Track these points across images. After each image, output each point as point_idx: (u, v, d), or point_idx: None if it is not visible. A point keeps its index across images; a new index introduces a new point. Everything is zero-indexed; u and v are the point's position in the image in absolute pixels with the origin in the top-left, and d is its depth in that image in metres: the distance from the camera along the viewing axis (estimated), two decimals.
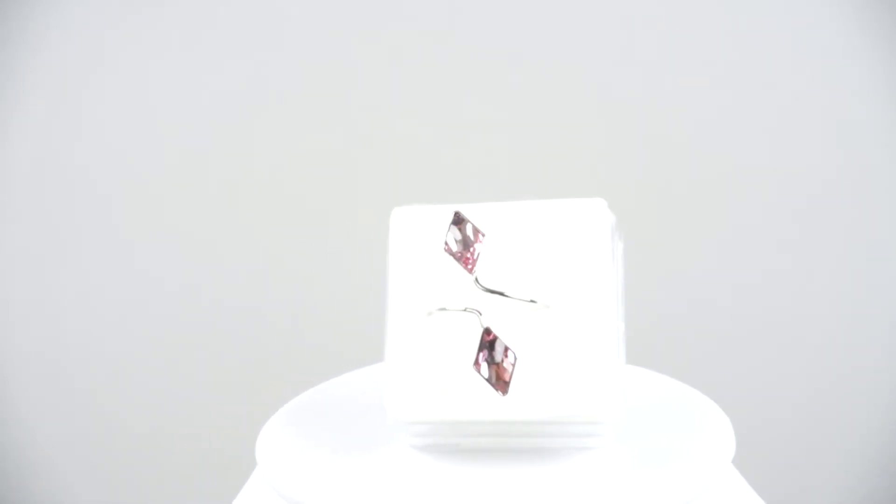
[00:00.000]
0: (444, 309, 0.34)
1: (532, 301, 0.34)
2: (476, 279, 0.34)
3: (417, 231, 0.36)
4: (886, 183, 0.64)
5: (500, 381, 0.33)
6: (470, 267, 0.34)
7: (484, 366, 0.33)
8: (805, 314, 0.66)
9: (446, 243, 0.35)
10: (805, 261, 0.66)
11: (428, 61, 0.66)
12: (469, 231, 0.35)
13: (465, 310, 0.34)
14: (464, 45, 0.66)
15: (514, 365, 0.33)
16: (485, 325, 0.33)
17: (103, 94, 0.67)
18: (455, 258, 0.35)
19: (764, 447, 0.63)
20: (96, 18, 0.66)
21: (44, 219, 0.68)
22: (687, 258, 0.66)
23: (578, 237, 0.34)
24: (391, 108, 0.66)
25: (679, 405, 0.38)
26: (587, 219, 0.34)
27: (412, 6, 0.65)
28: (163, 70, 0.67)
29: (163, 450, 0.70)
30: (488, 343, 0.33)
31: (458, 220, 0.35)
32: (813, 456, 0.67)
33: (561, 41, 0.65)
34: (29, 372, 0.69)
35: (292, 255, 0.68)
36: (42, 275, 0.68)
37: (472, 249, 0.35)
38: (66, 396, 0.69)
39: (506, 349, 0.33)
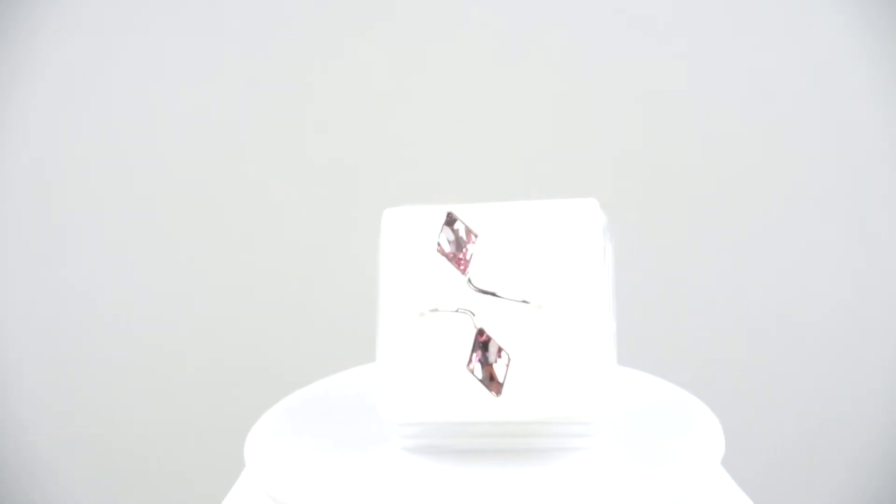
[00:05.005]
0: (436, 310, 0.34)
1: (525, 301, 0.34)
2: (469, 280, 0.34)
3: (409, 232, 0.35)
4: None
5: (493, 382, 0.33)
6: (463, 268, 0.34)
7: (477, 366, 0.33)
8: (799, 314, 0.66)
9: (439, 244, 0.35)
10: (799, 261, 0.66)
11: (418, 60, 0.66)
12: (462, 232, 0.35)
13: (457, 310, 0.34)
14: (456, 43, 0.66)
15: (507, 366, 0.33)
16: (478, 326, 0.33)
17: (104, 95, 0.66)
18: (448, 259, 0.35)
19: (755, 448, 0.63)
20: (96, 18, 0.66)
21: (44, 219, 0.68)
22: (679, 258, 0.67)
23: (570, 237, 0.34)
24: (383, 109, 0.66)
25: (668, 406, 0.39)
26: (579, 219, 0.34)
27: (402, 5, 0.65)
28: (166, 71, 0.66)
29: (161, 451, 0.70)
30: (482, 344, 0.33)
31: (451, 221, 0.35)
32: (805, 456, 0.67)
33: (554, 39, 0.65)
34: (28, 372, 0.69)
35: (285, 256, 0.68)
36: (42, 275, 0.68)
37: (465, 250, 0.35)
38: (65, 396, 0.69)
39: (499, 350, 0.33)
